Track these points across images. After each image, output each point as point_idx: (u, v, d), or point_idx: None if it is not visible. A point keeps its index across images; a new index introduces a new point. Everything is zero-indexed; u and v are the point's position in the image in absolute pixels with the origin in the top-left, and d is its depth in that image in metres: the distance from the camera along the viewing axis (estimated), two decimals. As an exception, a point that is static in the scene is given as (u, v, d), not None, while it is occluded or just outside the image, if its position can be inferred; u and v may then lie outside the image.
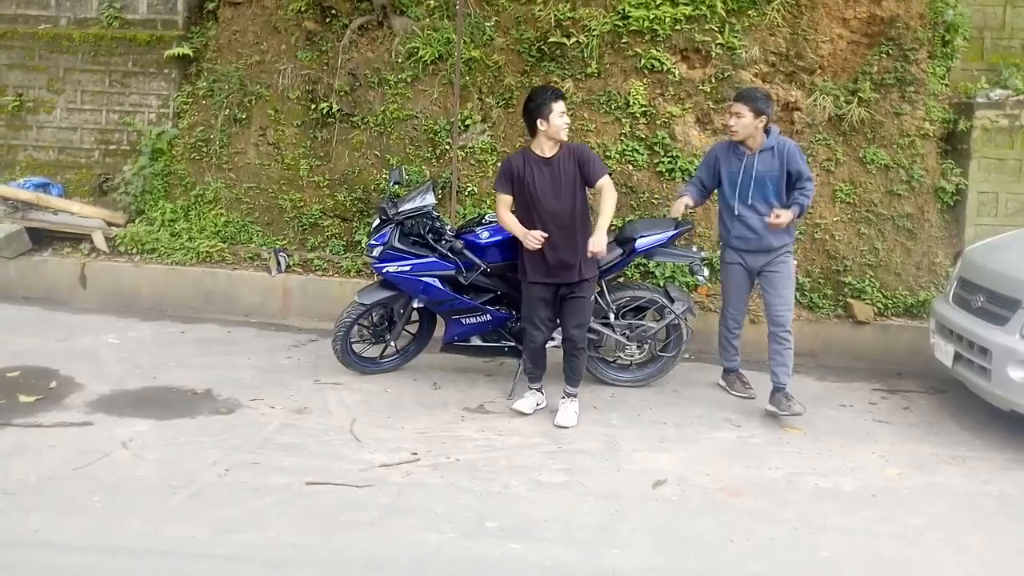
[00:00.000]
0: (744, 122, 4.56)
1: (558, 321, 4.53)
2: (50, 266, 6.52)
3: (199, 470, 3.62)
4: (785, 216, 4.52)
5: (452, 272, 4.69)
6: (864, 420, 4.76)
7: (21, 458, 3.65)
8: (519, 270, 4.47)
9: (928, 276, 6.11)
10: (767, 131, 4.66)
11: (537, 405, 4.59)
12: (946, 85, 6.57)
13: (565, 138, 4.32)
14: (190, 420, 4.20)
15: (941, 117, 6.37)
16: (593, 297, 4.54)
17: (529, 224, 4.31)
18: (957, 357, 4.68)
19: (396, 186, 5.21)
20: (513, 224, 4.36)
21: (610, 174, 4.67)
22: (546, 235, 4.26)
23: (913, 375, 5.47)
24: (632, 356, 5.04)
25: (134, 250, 6.60)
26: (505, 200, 4.39)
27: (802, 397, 5.01)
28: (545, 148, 4.31)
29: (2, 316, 5.91)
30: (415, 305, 4.87)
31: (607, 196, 4.32)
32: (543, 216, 4.28)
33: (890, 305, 6.00)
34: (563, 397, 4.53)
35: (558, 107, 4.25)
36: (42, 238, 6.74)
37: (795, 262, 4.89)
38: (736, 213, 4.70)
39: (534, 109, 4.27)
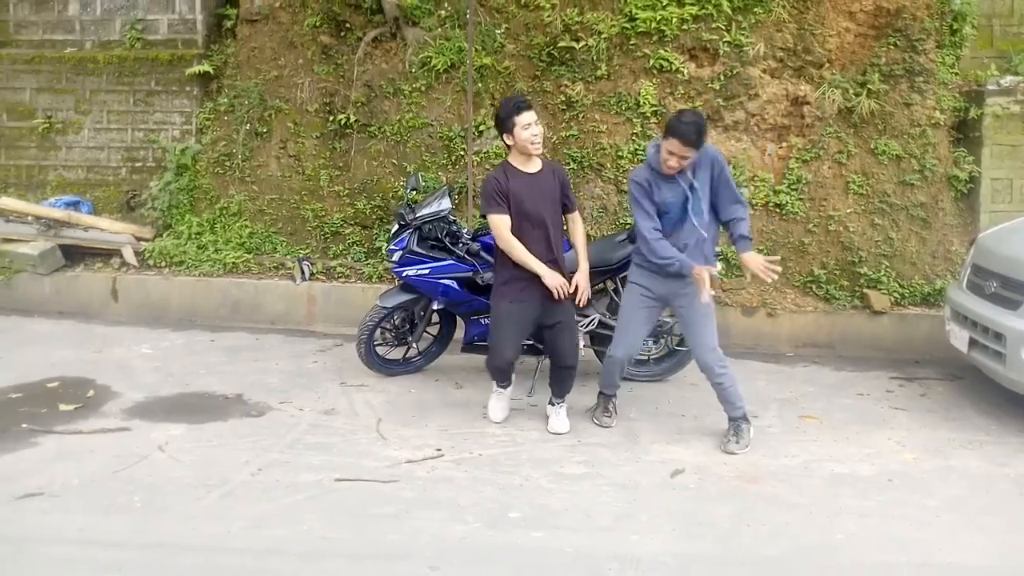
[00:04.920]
0: (688, 163, 3.92)
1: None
2: (83, 281, 6.73)
3: (232, 470, 3.77)
4: (755, 263, 3.94)
5: (469, 274, 4.81)
6: (881, 407, 4.82)
7: (63, 463, 3.81)
8: (493, 291, 4.27)
9: (944, 264, 6.14)
10: None
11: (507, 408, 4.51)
12: (956, 74, 6.61)
13: (535, 152, 4.05)
14: (222, 423, 4.36)
15: (952, 106, 6.41)
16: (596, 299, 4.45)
17: (520, 236, 4.05)
18: (972, 343, 4.72)
19: (413, 192, 5.34)
20: (526, 256, 4.02)
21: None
22: (569, 285, 4.06)
23: (930, 363, 5.52)
24: (649, 351, 5.13)
25: (163, 263, 6.80)
26: (506, 222, 4.04)
27: (820, 387, 5.14)
28: (523, 162, 4.10)
29: (39, 330, 6.11)
30: (435, 307, 5.01)
31: (581, 230, 4.28)
32: (535, 224, 4.06)
33: (906, 294, 6.05)
34: (554, 404, 4.41)
35: (522, 119, 3.97)
36: (74, 254, 6.95)
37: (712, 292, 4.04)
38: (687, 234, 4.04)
39: (499, 125, 4.08)
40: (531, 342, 4.97)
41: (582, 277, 4.18)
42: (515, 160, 4.12)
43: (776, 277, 3.97)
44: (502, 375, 4.38)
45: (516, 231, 4.06)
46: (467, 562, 3.08)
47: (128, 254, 6.89)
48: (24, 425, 4.24)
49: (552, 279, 4.03)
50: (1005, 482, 3.87)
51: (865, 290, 6.05)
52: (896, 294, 6.04)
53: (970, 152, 6.35)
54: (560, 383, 4.36)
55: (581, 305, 4.27)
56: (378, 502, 3.52)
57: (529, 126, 3.99)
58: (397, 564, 3.05)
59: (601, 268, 4.83)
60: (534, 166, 4.12)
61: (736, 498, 3.67)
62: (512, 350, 4.20)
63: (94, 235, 7.00)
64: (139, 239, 7.06)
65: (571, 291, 4.16)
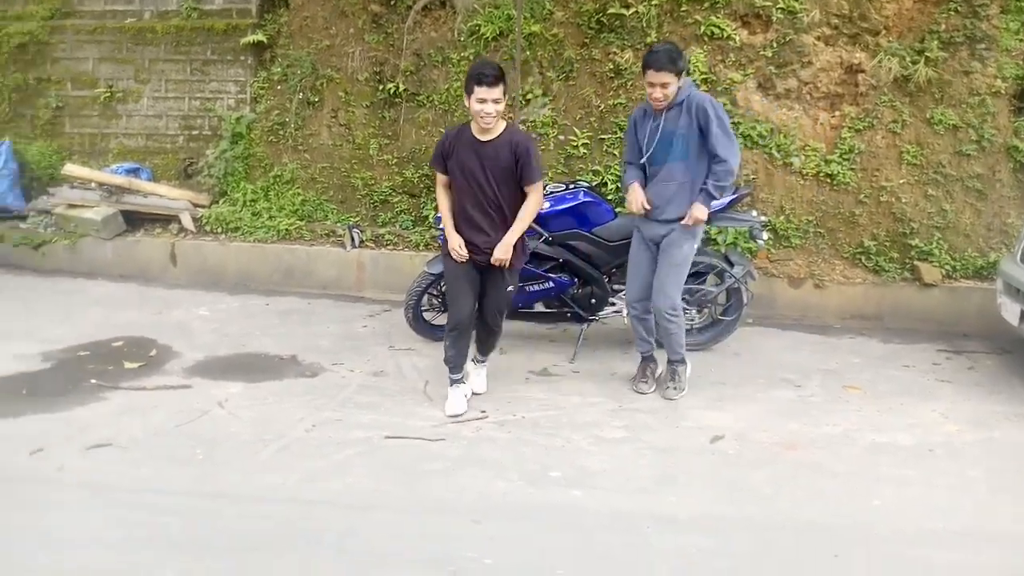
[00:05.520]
0: (671, 89, 4.07)
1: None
2: (143, 246, 6.98)
3: (288, 426, 3.95)
4: (697, 212, 4.15)
5: (516, 240, 4.88)
6: (927, 379, 4.80)
7: (129, 417, 4.03)
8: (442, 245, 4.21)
9: (999, 237, 6.02)
10: None
11: (465, 396, 4.29)
12: (1020, 40, 6.39)
13: (484, 125, 3.89)
14: (278, 383, 4.54)
15: (1014, 74, 6.22)
16: (515, 285, 4.23)
17: (460, 197, 4.05)
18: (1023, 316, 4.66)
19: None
20: (445, 214, 4.11)
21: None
22: (466, 255, 4.02)
23: (980, 336, 5.45)
24: (693, 320, 5.17)
25: (219, 229, 7.01)
26: (440, 179, 4.13)
27: (866, 359, 5.13)
28: (478, 129, 3.95)
29: (103, 292, 6.38)
30: (481, 273, 5.10)
31: (530, 203, 4.03)
32: (475, 188, 3.98)
33: (959, 267, 5.95)
34: (476, 363, 4.47)
35: (478, 92, 3.79)
36: (134, 220, 7.20)
37: (695, 246, 4.35)
38: (648, 177, 4.33)
39: (465, 83, 3.91)
40: (575, 308, 5.05)
41: (500, 247, 4.00)
42: (473, 124, 3.98)
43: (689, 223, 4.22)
44: (457, 346, 4.17)
45: (457, 191, 4.06)
46: (509, 517, 3.20)
47: (186, 220, 7.12)
48: (92, 381, 4.47)
49: (450, 241, 4.03)
50: (1050, 455, 3.85)
51: (916, 262, 5.96)
52: (948, 267, 5.94)
53: (1031, 122, 6.18)
54: (481, 342, 4.44)
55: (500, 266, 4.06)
56: (425, 459, 3.65)
57: (484, 102, 3.81)
58: (443, 517, 3.18)
59: None
60: (490, 134, 3.94)
61: (775, 464, 3.72)
62: (466, 306, 4.08)
63: (153, 201, 7.24)
64: (196, 205, 7.27)
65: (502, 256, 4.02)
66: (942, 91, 6.15)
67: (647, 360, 4.62)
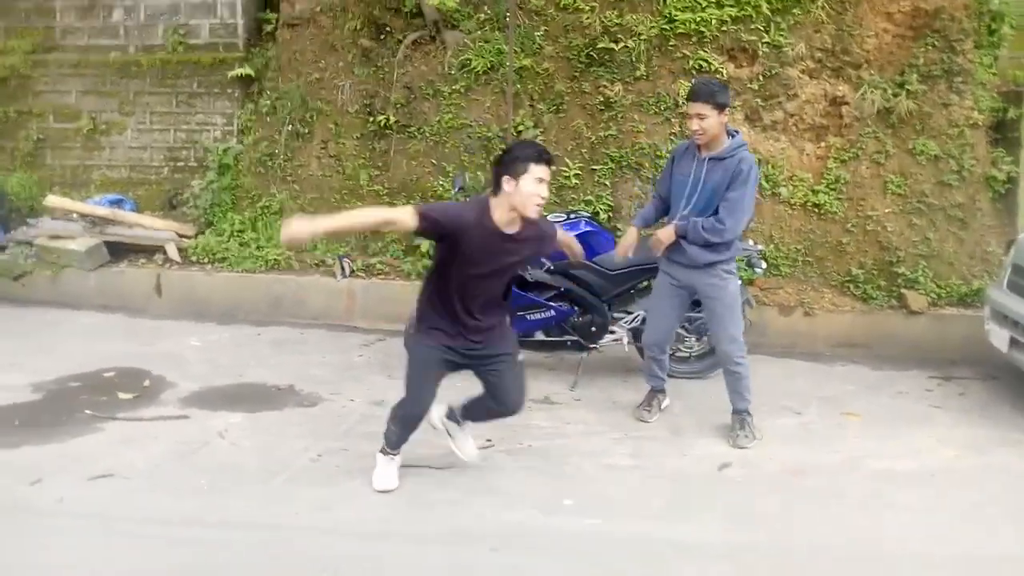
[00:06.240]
0: (709, 122, 3.95)
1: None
2: (127, 276, 6.88)
3: (292, 456, 3.89)
4: (663, 234, 4.12)
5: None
6: (920, 406, 4.87)
7: (129, 448, 3.94)
8: (408, 326, 3.65)
9: (981, 265, 6.16)
10: (731, 134, 4.11)
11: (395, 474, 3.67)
12: (994, 74, 6.61)
13: (531, 214, 3.25)
14: (277, 412, 4.48)
15: (990, 106, 6.42)
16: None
17: (444, 289, 3.38)
18: (1013, 342, 4.75)
19: (460, 191, 5.44)
20: (346, 222, 3.51)
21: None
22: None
23: (967, 362, 5.53)
24: (691, 348, 5.20)
25: (205, 259, 6.93)
26: (406, 222, 3.15)
27: (860, 386, 5.18)
28: (504, 218, 3.26)
29: (89, 323, 6.26)
30: (481, 302, 5.09)
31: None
32: (468, 288, 3.36)
33: (943, 295, 6.07)
34: (460, 422, 3.85)
35: (538, 171, 3.20)
36: (118, 251, 7.10)
37: (737, 283, 4.30)
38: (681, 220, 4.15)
39: (506, 163, 3.23)
40: (575, 337, 5.05)
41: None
42: (497, 210, 3.26)
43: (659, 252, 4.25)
44: (407, 430, 3.63)
45: (453, 277, 3.33)
46: (527, 546, 3.17)
47: (171, 250, 7.04)
48: (87, 412, 4.38)
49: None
50: (1047, 478, 3.92)
51: (902, 290, 6.07)
52: (933, 294, 6.06)
53: (1008, 152, 6.35)
54: (490, 418, 3.78)
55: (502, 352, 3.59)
56: (436, 488, 3.62)
57: (542, 182, 3.23)
58: (459, 546, 3.14)
59: (645, 266, 4.89)
60: (515, 226, 3.30)
61: (783, 491, 3.73)
62: (429, 398, 3.60)
63: (138, 232, 7.15)
64: (182, 236, 7.20)
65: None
66: (923, 123, 6.32)
67: (657, 392, 4.62)
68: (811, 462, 4.03)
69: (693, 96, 4.01)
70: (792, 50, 6.35)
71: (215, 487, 3.56)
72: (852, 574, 3.07)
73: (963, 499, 3.68)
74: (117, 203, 7.44)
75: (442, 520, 3.34)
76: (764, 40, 6.35)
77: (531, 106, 6.80)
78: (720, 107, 3.97)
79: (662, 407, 4.61)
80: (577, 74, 6.71)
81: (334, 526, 3.24)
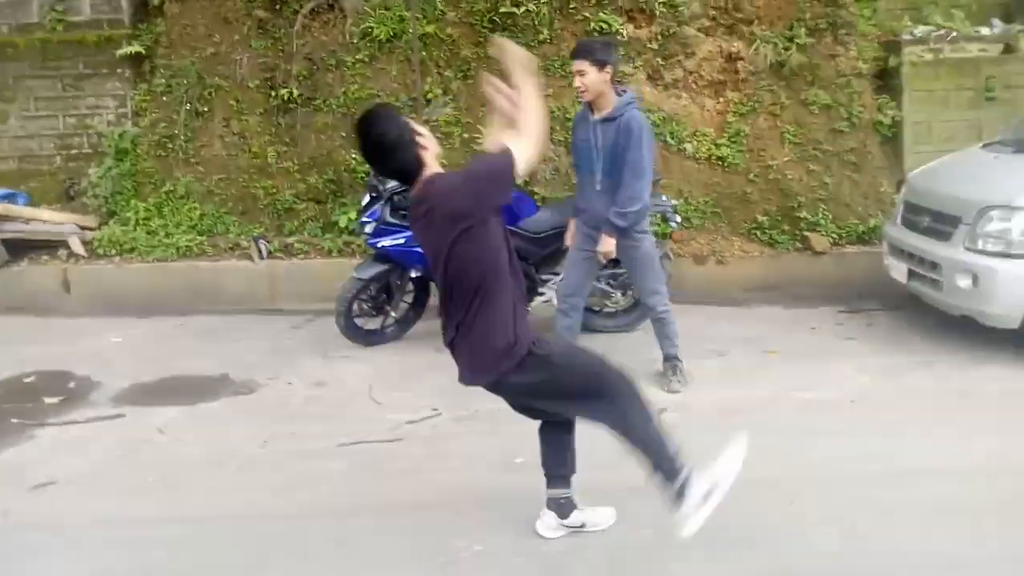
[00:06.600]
0: (589, 79, 4.03)
1: None
2: (30, 275, 6.55)
3: (240, 445, 3.87)
4: (605, 247, 4.21)
5: (445, 239, 4.93)
6: (834, 339, 5.24)
7: (66, 452, 3.83)
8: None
9: (876, 205, 6.58)
10: (619, 94, 4.18)
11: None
12: (874, 26, 7.02)
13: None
14: (215, 403, 4.43)
15: (873, 56, 6.83)
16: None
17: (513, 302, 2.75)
18: (911, 274, 5.15)
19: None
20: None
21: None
22: None
23: (872, 296, 5.93)
24: (617, 303, 5.40)
25: (113, 251, 6.66)
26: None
27: (772, 325, 5.51)
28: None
29: (-6, 327, 5.95)
30: (412, 275, 5.13)
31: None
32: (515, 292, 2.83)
33: (844, 235, 6.46)
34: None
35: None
36: (17, 249, 6.74)
37: (651, 240, 4.45)
38: (590, 186, 4.29)
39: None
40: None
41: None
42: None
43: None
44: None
45: (510, 282, 2.76)
46: (486, 505, 3.28)
47: (75, 244, 6.72)
48: (14, 420, 4.21)
49: None
50: (952, 396, 4.31)
51: (806, 233, 6.43)
52: (834, 235, 6.44)
53: (892, 99, 6.79)
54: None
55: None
56: (389, 460, 3.69)
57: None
58: (423, 512, 3.23)
59: (559, 230, 4.97)
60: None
61: (719, 429, 3.89)
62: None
63: (36, 227, 6.79)
64: (84, 228, 6.87)
65: None
66: (813, 74, 6.67)
67: None
68: (742, 400, 4.29)
69: (573, 54, 4.18)
70: (687, 9, 6.56)
71: (166, 484, 3.51)
72: (792, 499, 3.31)
73: (883, 421, 4.00)
74: (9, 197, 7.01)
75: (401, 491, 3.42)
76: (661, 0, 6.52)
77: (439, 73, 6.79)
78: (600, 63, 4.03)
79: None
80: (481, 40, 6.71)
81: (299, 510, 3.27)
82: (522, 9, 6.60)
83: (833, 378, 4.55)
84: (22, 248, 6.74)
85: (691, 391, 4.42)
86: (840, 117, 6.63)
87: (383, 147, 2.59)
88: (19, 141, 7.38)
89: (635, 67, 6.63)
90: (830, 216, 6.48)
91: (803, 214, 6.47)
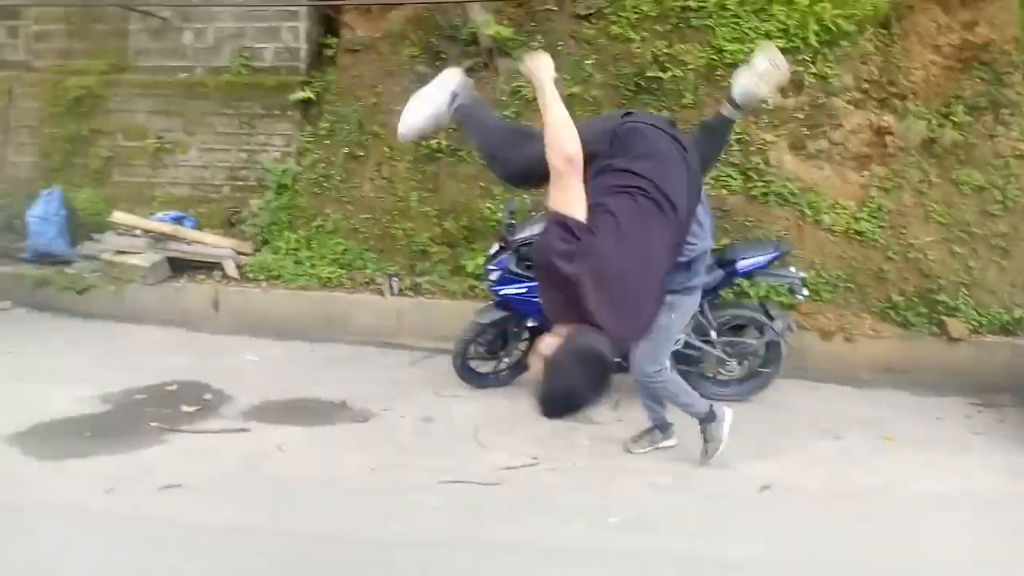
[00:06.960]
0: None
1: None
2: (187, 292, 7.18)
3: (349, 470, 4.10)
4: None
5: (564, 294, 5.06)
6: (960, 431, 4.94)
7: (195, 458, 4.18)
8: None
9: (1023, 294, 6.18)
10: None
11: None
12: (1039, 105, 6.65)
13: None
14: (332, 427, 4.70)
15: (1036, 137, 6.46)
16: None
17: None
18: (1056, 371, 4.80)
19: (511, 216, 5.63)
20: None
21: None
22: None
23: (1007, 390, 5.55)
24: (732, 372, 5.31)
25: (261, 277, 7.21)
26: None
27: (899, 411, 5.26)
28: None
29: (149, 337, 6.55)
30: (529, 324, 5.27)
31: None
32: None
33: (984, 322, 6.09)
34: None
35: None
36: (179, 267, 7.42)
37: (671, 316, 4.05)
38: None
39: None
40: (619, 359, 5.20)
41: None
42: None
43: None
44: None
45: None
46: (576, 560, 3.33)
47: (229, 267, 7.33)
48: (153, 424, 4.62)
49: None
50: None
51: (943, 317, 6.11)
52: (974, 322, 6.08)
53: (1053, 184, 6.38)
54: None
55: None
56: (486, 503, 3.80)
57: None
58: (511, 556, 3.32)
59: None
60: None
61: (824, 511, 3.84)
62: None
63: (198, 248, 7.46)
64: (240, 253, 7.49)
65: None
66: (967, 153, 6.37)
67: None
68: (852, 484, 4.13)
69: None
70: (838, 81, 6.46)
71: (280, 499, 3.77)
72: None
73: (1002, 523, 3.75)
74: (179, 220, 7.76)
75: (493, 533, 3.51)
76: (811, 71, 6.46)
77: (578, 133, 6.97)
78: None
79: (657, 445, 4.54)
80: (625, 101, 6.87)
81: (395, 539, 3.44)
82: (668, 74, 6.72)
83: (954, 472, 4.29)
84: (184, 266, 7.41)
85: (799, 470, 4.29)
86: (993, 200, 6.29)
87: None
88: (195, 170, 8.16)
89: (777, 135, 6.58)
90: (972, 302, 6.13)
91: (942, 297, 6.15)
